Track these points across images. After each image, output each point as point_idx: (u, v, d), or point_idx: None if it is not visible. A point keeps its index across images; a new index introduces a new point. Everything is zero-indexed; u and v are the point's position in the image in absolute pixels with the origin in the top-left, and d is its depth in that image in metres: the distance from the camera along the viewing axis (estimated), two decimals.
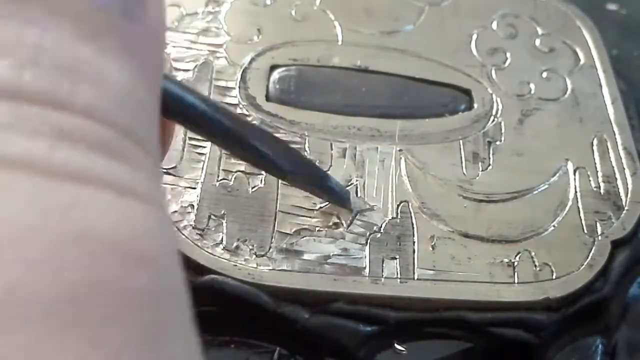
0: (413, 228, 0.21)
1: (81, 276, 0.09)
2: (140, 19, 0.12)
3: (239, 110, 0.23)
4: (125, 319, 0.09)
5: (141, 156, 0.11)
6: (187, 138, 0.22)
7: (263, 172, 0.21)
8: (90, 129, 0.10)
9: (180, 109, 0.15)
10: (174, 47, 0.24)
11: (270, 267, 0.20)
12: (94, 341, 0.09)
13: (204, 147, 0.22)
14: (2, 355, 0.08)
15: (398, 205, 0.22)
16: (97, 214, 0.10)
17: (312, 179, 0.20)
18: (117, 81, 0.11)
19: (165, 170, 0.21)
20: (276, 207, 0.21)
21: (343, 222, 0.21)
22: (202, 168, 0.22)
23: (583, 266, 0.21)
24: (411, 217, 0.21)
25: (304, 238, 0.20)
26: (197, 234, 0.20)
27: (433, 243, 0.21)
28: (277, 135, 0.23)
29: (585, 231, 0.22)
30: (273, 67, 0.25)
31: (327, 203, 0.21)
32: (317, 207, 0.21)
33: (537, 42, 0.27)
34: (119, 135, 0.10)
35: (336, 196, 0.21)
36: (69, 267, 0.09)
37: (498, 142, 0.24)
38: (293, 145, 0.22)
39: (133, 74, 0.11)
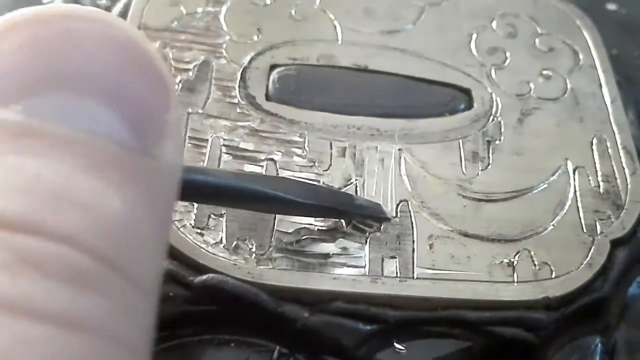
0: (412, 227, 0.21)
1: None
2: (155, 156, 0.12)
3: (238, 110, 0.23)
4: None
5: (120, 286, 0.11)
6: (187, 137, 0.22)
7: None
8: (63, 257, 0.10)
9: (191, 191, 0.15)
10: (174, 46, 0.24)
11: (270, 266, 0.20)
12: None
13: (204, 146, 0.22)
14: None
15: (397, 205, 0.22)
16: (34, 355, 0.09)
17: (339, 205, 0.20)
18: (112, 211, 0.11)
19: None
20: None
21: (343, 221, 0.21)
22: None
23: (582, 265, 0.21)
24: (411, 216, 0.21)
25: (304, 237, 0.20)
26: (197, 232, 0.20)
27: (431, 242, 0.21)
28: (277, 135, 0.23)
29: (585, 230, 0.22)
30: (273, 67, 0.25)
31: None
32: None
33: (537, 41, 0.27)
34: (97, 264, 0.10)
35: (368, 211, 0.21)
36: None
37: (497, 142, 0.24)
38: (294, 146, 0.22)
39: (136, 206, 0.11)
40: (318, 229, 0.21)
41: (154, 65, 0.13)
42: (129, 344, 0.11)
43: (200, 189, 0.17)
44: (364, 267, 0.20)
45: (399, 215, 0.21)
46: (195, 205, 0.21)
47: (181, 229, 0.20)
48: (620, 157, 0.23)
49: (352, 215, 0.21)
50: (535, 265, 0.21)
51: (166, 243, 0.13)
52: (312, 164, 0.22)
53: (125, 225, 0.11)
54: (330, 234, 0.21)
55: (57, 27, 0.12)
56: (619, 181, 0.23)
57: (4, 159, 0.11)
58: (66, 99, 0.11)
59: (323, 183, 0.22)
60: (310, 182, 0.21)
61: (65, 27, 0.12)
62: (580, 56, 0.27)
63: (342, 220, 0.21)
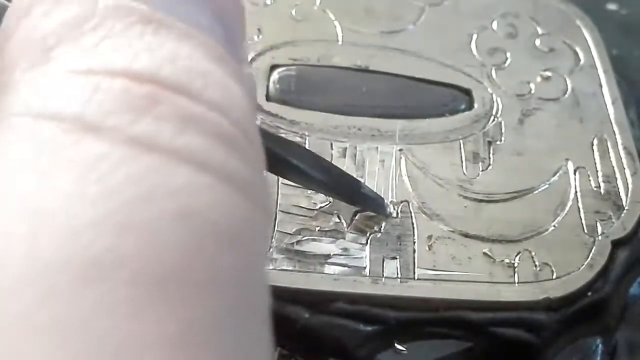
0: (413, 228, 0.21)
1: (175, 250, 0.10)
2: (244, 66, 0.14)
3: None
4: (208, 294, 0.10)
5: (253, 154, 0.12)
6: None
7: None
8: (215, 120, 0.11)
9: None
10: None
11: (271, 267, 0.20)
12: (174, 310, 0.10)
13: None
14: (105, 305, 0.09)
15: (398, 205, 0.22)
16: (202, 198, 0.11)
17: (347, 188, 0.21)
18: (237, 92, 0.12)
19: None
20: (276, 207, 0.21)
21: (343, 221, 0.21)
22: None
23: (583, 266, 0.21)
24: (411, 216, 0.21)
25: (305, 238, 0.20)
26: None
27: (430, 243, 0.21)
28: (279, 135, 0.23)
29: (586, 231, 0.22)
30: (273, 67, 0.25)
31: (327, 203, 0.21)
32: (317, 207, 0.21)
33: (537, 42, 0.27)
34: (239, 131, 0.12)
35: (370, 202, 0.21)
36: (167, 240, 0.10)
37: (498, 142, 0.24)
38: None
39: (246, 95, 0.13)
40: (319, 230, 0.21)
41: (242, 6, 0.14)
42: (257, 198, 0.12)
43: None
44: (365, 267, 0.20)
45: (399, 216, 0.21)
46: None
47: None
48: (621, 158, 0.23)
49: (354, 201, 0.21)
50: (536, 265, 0.21)
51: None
52: None
53: (246, 104, 0.12)
54: (331, 235, 0.21)
55: None
56: (619, 182, 0.23)
57: (142, 38, 0.12)
58: (177, 4, 0.12)
59: None
60: (323, 158, 0.22)
61: None
62: (581, 56, 0.27)
63: (343, 221, 0.21)
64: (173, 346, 0.09)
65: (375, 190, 0.22)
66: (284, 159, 0.19)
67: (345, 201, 0.21)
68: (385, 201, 0.21)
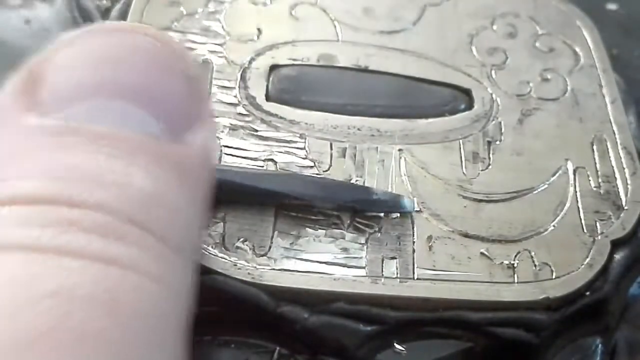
0: (413, 228, 0.21)
1: (47, 319, 0.12)
2: (186, 142, 0.15)
3: (239, 110, 0.23)
4: (78, 354, 0.12)
5: (148, 241, 0.13)
6: None
7: None
8: (98, 219, 0.13)
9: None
10: None
11: (270, 267, 0.20)
12: None
13: None
14: None
15: None
16: (75, 276, 0.12)
17: (356, 202, 0.21)
18: (139, 185, 0.14)
19: None
20: (276, 206, 0.21)
21: (343, 221, 0.21)
22: None
23: (583, 266, 0.21)
24: (411, 216, 0.21)
25: (304, 238, 0.20)
26: None
27: (430, 243, 0.21)
28: (277, 135, 0.23)
29: (585, 231, 0.22)
30: (273, 67, 0.25)
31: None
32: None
33: (537, 41, 0.27)
34: (126, 224, 0.13)
35: (387, 206, 0.21)
36: (38, 313, 0.12)
37: (498, 142, 0.24)
38: (294, 146, 0.22)
39: (163, 182, 0.14)
40: (318, 229, 0.21)
41: (182, 67, 0.15)
42: (150, 277, 0.13)
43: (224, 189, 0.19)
44: (364, 267, 0.20)
45: (399, 216, 0.21)
46: None
47: None
48: (621, 158, 0.23)
49: (370, 210, 0.21)
50: (535, 265, 0.21)
51: (202, 213, 0.15)
52: (312, 164, 0.22)
53: (153, 196, 0.14)
54: (331, 235, 0.21)
55: (93, 44, 0.15)
56: (619, 181, 0.23)
57: (45, 154, 0.14)
58: (99, 103, 0.14)
59: None
60: (327, 178, 0.22)
61: (99, 43, 0.15)
62: (581, 56, 0.27)
63: (343, 221, 0.21)
64: None
65: (387, 191, 0.21)
66: (283, 193, 0.20)
67: (361, 213, 0.21)
68: (403, 197, 0.21)
